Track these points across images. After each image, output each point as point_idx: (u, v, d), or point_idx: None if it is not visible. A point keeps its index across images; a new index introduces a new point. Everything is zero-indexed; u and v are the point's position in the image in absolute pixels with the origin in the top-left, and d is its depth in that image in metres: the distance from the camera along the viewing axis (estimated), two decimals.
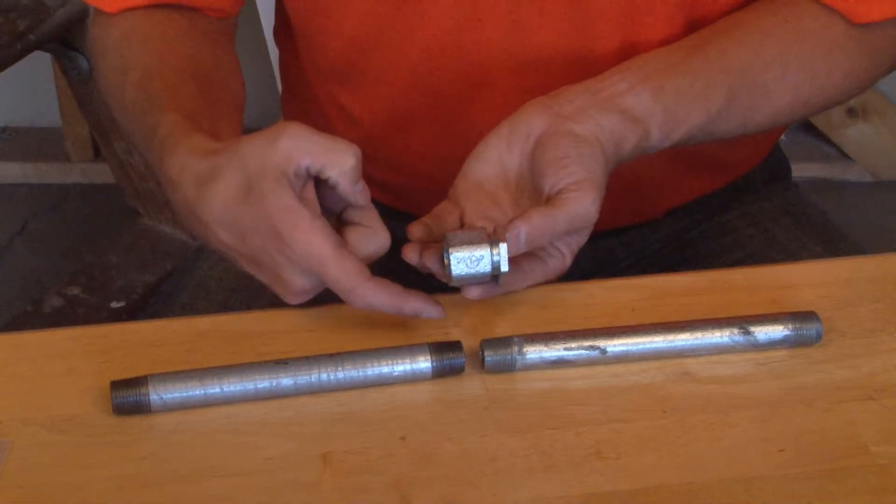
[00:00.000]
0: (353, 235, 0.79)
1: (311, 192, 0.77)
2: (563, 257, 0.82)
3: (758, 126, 0.92)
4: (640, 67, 0.86)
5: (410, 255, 0.81)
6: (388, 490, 0.69)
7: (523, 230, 0.78)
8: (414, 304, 0.77)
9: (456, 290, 0.81)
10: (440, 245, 0.80)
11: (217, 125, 0.84)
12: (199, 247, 1.33)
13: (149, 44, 0.93)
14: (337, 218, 0.80)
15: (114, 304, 1.95)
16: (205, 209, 0.77)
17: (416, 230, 0.82)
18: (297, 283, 0.77)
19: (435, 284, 0.82)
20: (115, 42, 0.95)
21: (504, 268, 0.78)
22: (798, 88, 0.91)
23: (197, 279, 1.03)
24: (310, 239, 0.75)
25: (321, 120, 1.07)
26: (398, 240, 0.83)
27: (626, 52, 0.93)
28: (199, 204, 0.77)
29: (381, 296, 0.76)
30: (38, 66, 2.12)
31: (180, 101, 0.85)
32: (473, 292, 0.80)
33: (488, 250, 0.78)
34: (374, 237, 0.79)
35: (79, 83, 1.93)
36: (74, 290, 1.97)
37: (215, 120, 0.85)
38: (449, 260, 0.78)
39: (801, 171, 2.28)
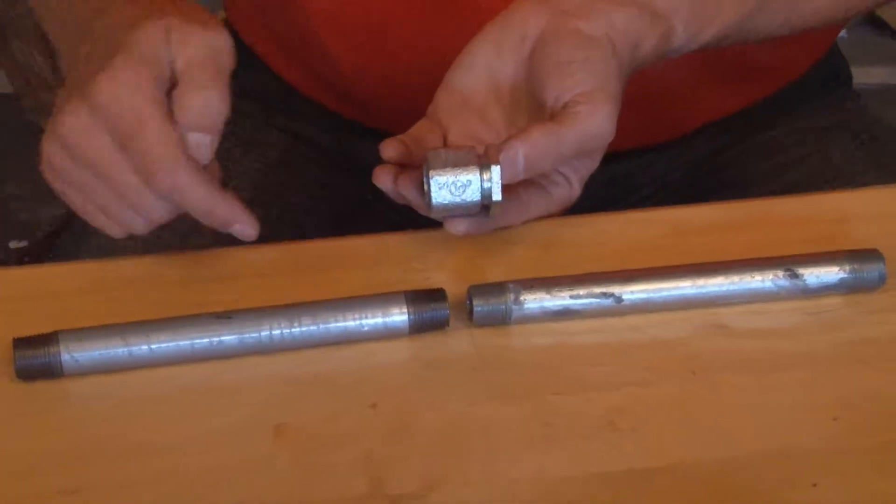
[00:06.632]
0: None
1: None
2: (569, 186, 0.83)
3: (805, 23, 0.92)
4: None
5: (383, 178, 0.81)
6: (355, 468, 0.70)
7: (521, 151, 0.78)
8: (227, 211, 0.75)
9: (438, 223, 0.81)
10: (419, 169, 0.80)
11: None
12: None
13: None
14: None
15: (13, 244, 1.95)
16: None
17: (390, 148, 0.82)
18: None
19: (412, 217, 0.82)
20: None
21: (496, 196, 0.78)
22: None
23: None
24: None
25: (277, 20, 1.07)
26: (368, 163, 0.83)
27: None
28: None
29: (196, 184, 0.74)
30: None
31: None
32: (459, 226, 0.80)
33: (477, 174, 0.78)
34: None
35: None
36: None
37: None
38: (429, 185, 0.78)
39: (865, 76, 2.28)
